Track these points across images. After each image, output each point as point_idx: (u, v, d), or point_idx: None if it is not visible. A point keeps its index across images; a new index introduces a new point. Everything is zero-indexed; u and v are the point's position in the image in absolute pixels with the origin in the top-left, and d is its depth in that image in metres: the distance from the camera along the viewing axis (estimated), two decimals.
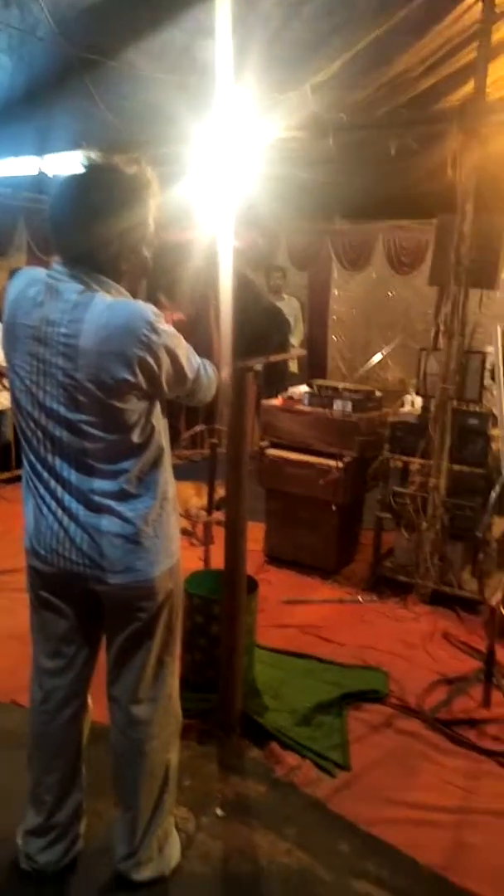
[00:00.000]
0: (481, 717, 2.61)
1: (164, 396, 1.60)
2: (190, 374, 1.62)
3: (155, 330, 1.48)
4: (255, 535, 3.53)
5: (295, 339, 6.19)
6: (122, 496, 1.56)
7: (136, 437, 1.54)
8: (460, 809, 2.16)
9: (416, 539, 3.53)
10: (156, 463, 1.60)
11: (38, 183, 5.16)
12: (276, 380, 5.83)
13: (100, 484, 1.55)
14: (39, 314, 1.50)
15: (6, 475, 5.09)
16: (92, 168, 1.50)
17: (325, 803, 2.14)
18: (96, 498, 1.55)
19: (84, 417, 1.49)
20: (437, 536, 3.48)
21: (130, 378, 1.46)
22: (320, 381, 4.20)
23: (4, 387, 5.18)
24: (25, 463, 1.64)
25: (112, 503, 1.55)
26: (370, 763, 2.33)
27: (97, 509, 1.56)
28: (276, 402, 4.09)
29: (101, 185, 1.49)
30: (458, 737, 2.48)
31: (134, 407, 1.51)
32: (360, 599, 3.56)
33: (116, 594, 1.63)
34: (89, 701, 1.85)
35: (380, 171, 4.69)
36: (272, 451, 3.91)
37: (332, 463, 3.67)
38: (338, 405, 3.75)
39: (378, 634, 3.21)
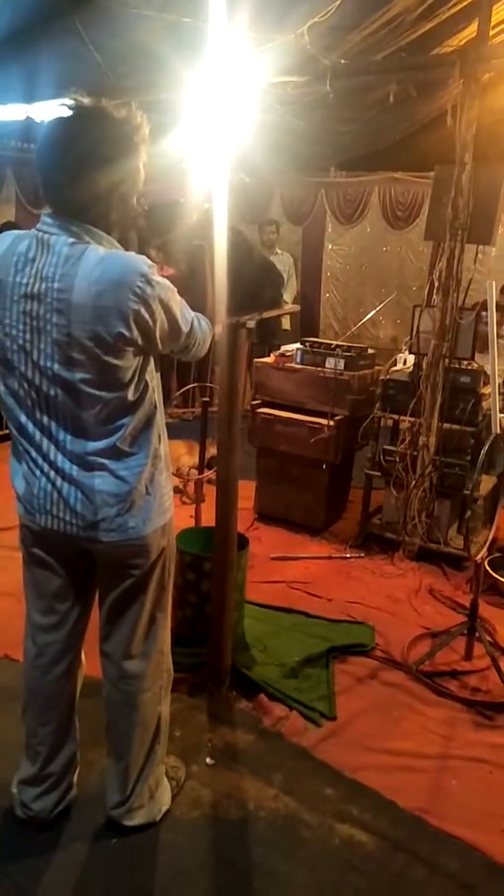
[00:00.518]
0: (463, 669, 2.70)
1: (158, 351, 1.58)
2: (184, 328, 1.60)
3: (149, 282, 1.45)
4: (246, 492, 3.54)
5: (288, 296, 6.10)
6: (116, 454, 1.55)
7: (130, 395, 1.52)
8: (440, 756, 2.25)
9: (404, 497, 3.57)
10: (149, 420, 1.59)
11: (27, 130, 4.97)
12: (268, 336, 5.78)
13: (94, 443, 1.53)
14: (32, 270, 1.46)
15: None
16: (80, 112, 1.44)
17: (310, 752, 2.21)
18: (90, 457, 1.54)
19: (79, 375, 1.47)
20: (426, 494, 3.51)
21: (126, 332, 1.44)
22: (312, 339, 4.16)
23: None
24: (13, 427, 1.61)
25: (106, 461, 1.55)
26: (355, 713, 2.41)
27: (91, 468, 1.55)
28: (268, 359, 4.06)
29: (90, 130, 1.43)
30: (440, 688, 2.56)
31: (129, 363, 1.48)
32: (348, 556, 3.62)
33: (110, 552, 1.65)
34: (82, 655, 1.88)
35: (377, 118, 4.56)
36: (263, 410, 3.90)
37: (323, 421, 3.67)
38: (330, 363, 3.73)
39: (365, 590, 3.27)
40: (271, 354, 4.14)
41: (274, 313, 2.58)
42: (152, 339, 1.51)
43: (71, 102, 1.43)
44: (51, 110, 4.11)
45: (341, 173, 6.34)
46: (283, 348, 4.14)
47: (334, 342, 3.94)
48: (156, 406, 1.61)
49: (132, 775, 1.81)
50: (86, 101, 1.45)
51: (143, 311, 1.45)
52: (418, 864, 1.84)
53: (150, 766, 1.84)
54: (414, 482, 3.52)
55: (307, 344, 3.92)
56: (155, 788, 1.87)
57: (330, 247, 6.75)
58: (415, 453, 3.53)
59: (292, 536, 3.82)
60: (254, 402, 3.98)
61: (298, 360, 3.87)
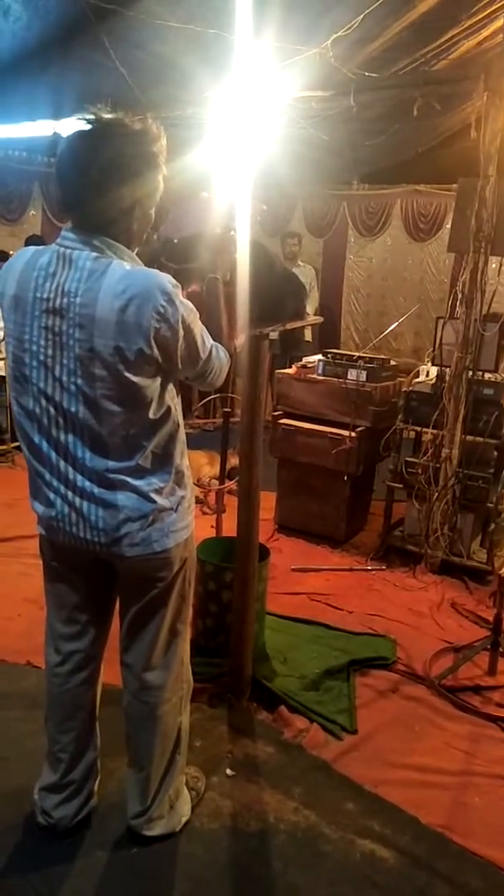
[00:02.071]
0: (486, 684, 2.66)
1: (177, 374, 1.58)
2: (202, 354, 1.60)
3: (172, 301, 1.46)
4: (267, 503, 3.54)
5: (309, 307, 6.12)
6: (138, 472, 1.55)
7: (152, 414, 1.52)
8: (463, 772, 2.21)
9: (426, 509, 3.54)
10: (171, 439, 1.59)
11: (53, 146, 5.08)
12: (290, 348, 5.79)
13: (115, 462, 1.53)
14: (53, 285, 1.46)
15: (19, 443, 5.13)
16: (99, 126, 1.45)
17: (331, 765, 2.20)
18: (111, 475, 1.54)
19: (100, 391, 1.47)
20: (448, 507, 3.49)
21: (146, 349, 1.44)
22: (334, 350, 4.16)
23: None
24: (25, 448, 1.61)
25: (128, 479, 1.54)
26: (376, 727, 2.39)
27: (112, 486, 1.54)
28: (290, 371, 4.07)
29: (110, 144, 1.43)
30: (463, 703, 2.52)
31: (148, 383, 1.49)
32: (370, 568, 3.59)
33: (133, 567, 1.65)
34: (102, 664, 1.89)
35: (401, 131, 4.57)
36: (285, 421, 3.91)
37: (344, 433, 3.66)
38: (352, 374, 3.73)
39: (386, 603, 3.25)
40: (293, 366, 4.16)
41: (297, 325, 2.59)
42: (173, 359, 1.51)
43: (90, 117, 1.45)
44: (77, 125, 4.20)
45: (364, 186, 6.37)
46: (305, 359, 4.16)
47: (356, 354, 3.94)
48: (178, 424, 1.61)
49: (152, 785, 1.81)
50: (104, 115, 1.46)
51: (164, 329, 1.45)
52: (440, 881, 1.81)
53: (170, 776, 1.84)
54: (436, 494, 3.50)
55: (329, 355, 3.93)
56: (175, 799, 1.87)
57: (351, 258, 6.76)
58: (437, 465, 3.51)
59: (313, 548, 3.81)
60: (275, 413, 4.00)
61: (320, 371, 3.88)
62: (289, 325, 2.38)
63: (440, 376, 3.54)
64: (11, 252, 5.37)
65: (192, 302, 1.56)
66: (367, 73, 3.52)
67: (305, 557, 3.68)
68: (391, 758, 2.25)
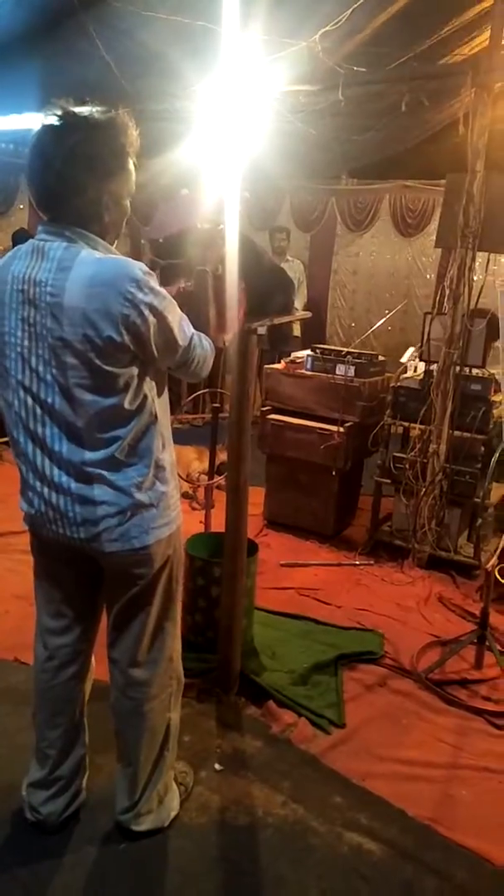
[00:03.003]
0: (473, 677, 2.68)
1: (157, 363, 1.57)
2: (181, 342, 1.58)
3: (141, 287, 1.45)
4: (255, 499, 3.55)
5: (298, 302, 6.12)
6: (114, 465, 1.54)
7: (127, 404, 1.51)
8: (449, 765, 2.23)
9: (414, 504, 3.56)
10: (148, 430, 1.58)
11: None
12: (278, 343, 5.79)
13: (91, 454, 1.52)
14: (27, 276, 1.48)
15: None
16: (63, 118, 1.44)
17: (319, 759, 2.21)
18: (88, 469, 1.53)
19: (74, 380, 1.47)
20: (436, 502, 3.51)
21: (116, 337, 1.43)
22: (323, 346, 4.17)
23: None
24: (12, 443, 1.62)
25: (104, 472, 1.54)
26: (364, 721, 2.40)
27: (89, 480, 1.54)
28: (279, 366, 4.07)
29: (73, 134, 1.43)
30: (450, 696, 2.54)
31: (122, 370, 1.48)
32: (358, 563, 3.61)
33: (114, 562, 1.65)
34: (92, 660, 1.89)
35: (389, 126, 4.57)
36: (274, 416, 3.91)
37: (333, 428, 3.67)
38: (340, 370, 3.73)
39: (374, 597, 3.27)
40: (282, 361, 4.16)
41: (285, 319, 2.59)
42: (146, 347, 1.49)
43: (56, 111, 1.44)
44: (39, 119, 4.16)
45: (353, 180, 6.37)
46: (294, 355, 4.16)
47: (345, 349, 3.95)
48: (156, 416, 1.60)
49: (140, 781, 1.82)
50: (70, 108, 1.46)
51: (133, 315, 1.44)
52: (427, 873, 1.83)
53: (158, 772, 1.84)
54: (424, 490, 3.51)
55: (318, 351, 3.93)
56: (164, 794, 1.88)
57: (338, 253, 6.76)
58: (425, 461, 3.52)
59: (301, 543, 3.82)
60: (264, 409, 4.00)
61: (309, 366, 3.88)
62: (277, 320, 2.38)
63: (428, 372, 3.55)
64: (0, 246, 5.35)
65: (182, 297, 1.56)
66: (355, 68, 3.52)
67: (294, 553, 3.69)
68: (378, 751, 2.26)
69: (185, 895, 1.73)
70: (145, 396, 1.56)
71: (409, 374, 3.82)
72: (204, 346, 1.70)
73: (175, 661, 1.84)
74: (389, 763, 2.22)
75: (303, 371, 3.89)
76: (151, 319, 1.48)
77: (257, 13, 3.03)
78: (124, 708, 1.79)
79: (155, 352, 1.52)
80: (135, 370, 1.51)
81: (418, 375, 3.71)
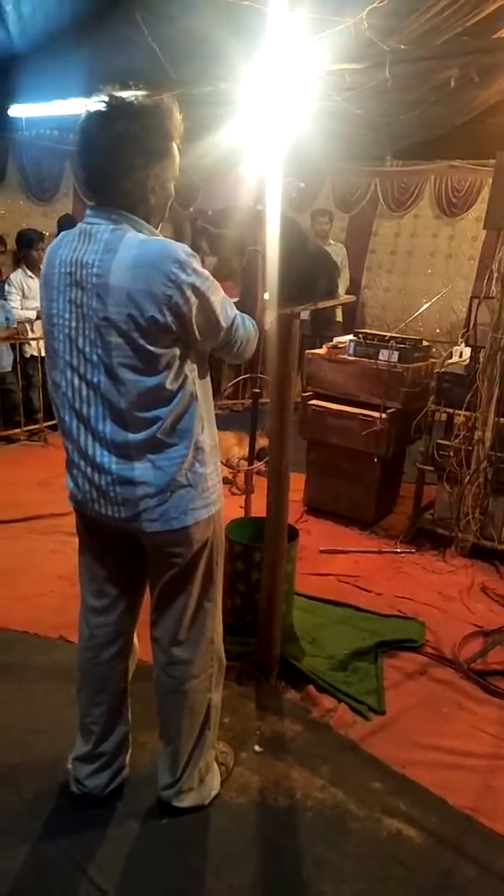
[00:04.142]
0: None
1: (199, 345, 1.58)
2: (223, 323, 1.59)
3: (183, 268, 1.46)
4: (295, 485, 3.54)
5: (340, 287, 6.04)
6: (156, 446, 1.56)
7: (168, 383, 1.52)
8: (491, 755, 2.21)
9: (458, 492, 3.50)
10: (188, 411, 1.59)
11: None
12: (320, 328, 5.74)
13: (133, 435, 1.55)
14: (73, 258, 1.51)
15: (55, 422, 5.21)
16: (111, 102, 1.48)
17: (358, 744, 2.21)
18: (130, 449, 1.56)
19: (118, 360, 1.49)
20: (480, 490, 3.44)
21: (159, 317, 1.45)
22: (366, 331, 4.11)
23: None
24: (59, 423, 1.67)
25: (146, 453, 1.56)
26: (404, 708, 2.39)
27: (129, 460, 1.57)
28: (321, 351, 4.03)
29: (119, 119, 1.46)
30: (492, 687, 2.51)
31: (166, 350, 1.50)
32: (399, 551, 3.58)
33: (155, 542, 1.68)
34: (135, 640, 1.93)
35: (437, 104, 4.44)
36: (315, 402, 3.89)
37: (375, 414, 3.63)
38: (384, 355, 3.68)
39: (415, 586, 3.24)
40: (323, 346, 4.12)
41: (329, 303, 2.56)
42: (188, 328, 1.51)
43: (102, 97, 1.47)
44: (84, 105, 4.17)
45: (397, 162, 6.23)
46: (336, 340, 4.11)
47: (388, 334, 3.89)
48: (197, 397, 1.61)
49: (182, 759, 1.85)
50: (115, 93, 1.49)
51: (176, 296, 1.45)
52: (466, 862, 1.82)
53: (199, 750, 1.87)
54: (468, 477, 3.45)
55: (360, 336, 3.88)
56: (205, 773, 1.91)
57: (377, 234, 6.66)
58: (470, 448, 3.46)
59: (342, 530, 3.81)
60: (305, 395, 3.97)
61: (351, 351, 3.83)
62: (320, 305, 2.35)
63: (474, 357, 3.47)
64: (45, 232, 5.42)
65: (223, 272, 1.56)
66: (402, 46, 3.42)
67: (334, 539, 3.67)
68: (419, 739, 2.25)
69: (225, 872, 1.76)
70: (186, 377, 1.57)
71: (455, 359, 3.74)
72: (247, 328, 1.70)
73: (216, 642, 1.86)
74: (430, 751, 2.21)
75: (345, 356, 3.85)
76: (193, 300, 1.49)
77: None
78: (165, 686, 1.82)
79: (197, 333, 1.53)
80: (177, 351, 1.52)
81: (464, 361, 3.63)
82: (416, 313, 4.70)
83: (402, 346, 3.68)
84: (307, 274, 2.13)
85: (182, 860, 1.79)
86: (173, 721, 1.84)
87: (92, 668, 1.86)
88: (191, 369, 1.58)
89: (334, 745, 2.20)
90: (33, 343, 5.09)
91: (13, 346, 4.96)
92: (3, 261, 5.01)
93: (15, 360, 4.97)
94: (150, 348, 1.48)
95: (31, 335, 5.10)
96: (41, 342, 5.03)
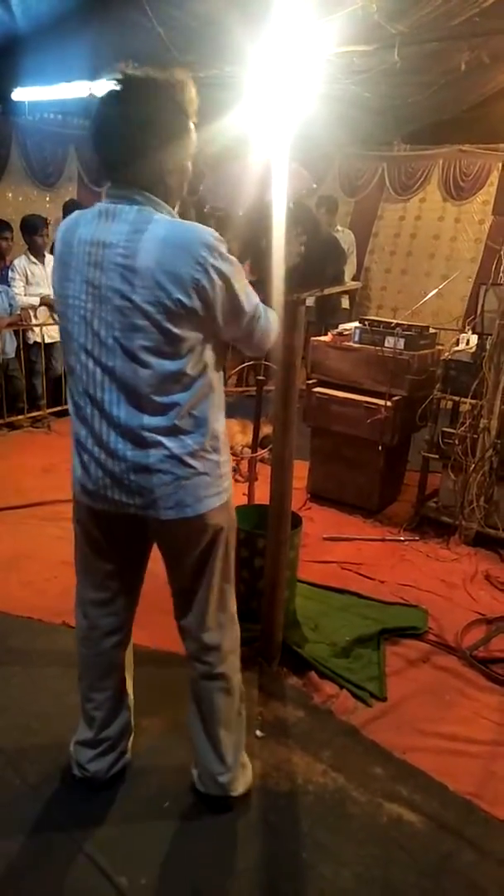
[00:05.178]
0: None
1: (222, 331, 1.56)
2: (247, 309, 1.58)
3: (212, 252, 1.45)
4: (299, 472, 3.54)
5: (346, 273, 6.01)
6: (172, 431, 1.54)
7: (189, 369, 1.51)
8: (493, 742, 2.22)
9: (462, 480, 3.49)
10: (206, 398, 1.58)
11: (89, 107, 5.00)
12: (326, 315, 5.71)
13: (150, 419, 1.53)
14: (94, 238, 1.48)
15: (59, 409, 5.22)
16: (126, 82, 1.45)
17: (360, 730, 2.22)
18: (146, 434, 1.53)
19: (140, 343, 1.47)
20: (485, 478, 3.43)
21: (185, 300, 1.44)
22: (371, 318, 4.09)
23: (55, 320, 5.24)
24: (71, 404, 1.64)
25: (162, 439, 1.54)
26: (406, 695, 2.40)
27: (145, 446, 1.54)
28: (326, 338, 4.01)
29: (137, 97, 1.44)
30: (494, 674, 2.51)
31: (189, 334, 1.48)
32: (402, 539, 3.58)
33: (171, 531, 1.66)
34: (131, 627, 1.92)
35: (446, 87, 4.38)
36: (319, 389, 3.87)
37: (380, 402, 3.61)
38: (389, 342, 3.66)
39: (419, 573, 3.24)
40: (328, 333, 4.10)
41: (336, 290, 2.55)
42: (213, 312, 1.49)
43: (118, 76, 1.45)
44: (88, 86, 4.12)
45: (405, 146, 6.18)
46: (342, 327, 4.09)
47: (394, 321, 3.86)
48: (213, 385, 1.60)
49: (228, 744, 1.84)
50: (132, 72, 1.46)
51: (203, 280, 1.44)
52: (467, 847, 1.83)
53: (241, 733, 1.88)
54: (473, 466, 3.44)
55: (366, 322, 3.86)
56: (244, 756, 1.92)
57: (382, 218, 6.62)
58: (475, 436, 3.44)
59: (345, 517, 3.81)
60: (309, 382, 3.96)
61: (356, 338, 3.81)
62: (327, 291, 2.33)
63: (480, 345, 3.45)
64: (49, 219, 5.39)
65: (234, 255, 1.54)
66: (404, 30, 3.37)
67: (337, 527, 3.67)
68: (420, 726, 2.26)
69: (225, 856, 1.78)
70: (206, 365, 1.56)
71: (461, 346, 3.71)
72: (269, 319, 1.68)
73: (236, 620, 1.86)
74: (431, 738, 2.21)
75: (350, 343, 3.83)
76: (220, 284, 1.48)
77: None
78: (202, 672, 1.80)
79: (221, 318, 1.52)
80: (200, 336, 1.51)
81: (470, 348, 3.61)
82: (424, 299, 4.65)
83: (408, 333, 3.66)
84: (315, 260, 2.10)
85: (183, 842, 1.81)
86: (214, 708, 1.81)
87: (93, 657, 1.86)
88: (210, 357, 1.57)
89: (336, 731, 2.21)
90: (37, 330, 5.08)
91: (16, 333, 4.95)
92: (9, 247, 4.98)
93: (18, 347, 4.96)
94: (175, 331, 1.46)
95: (34, 322, 5.09)
96: (45, 329, 5.06)
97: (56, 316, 1.64)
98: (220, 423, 1.66)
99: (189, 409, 1.55)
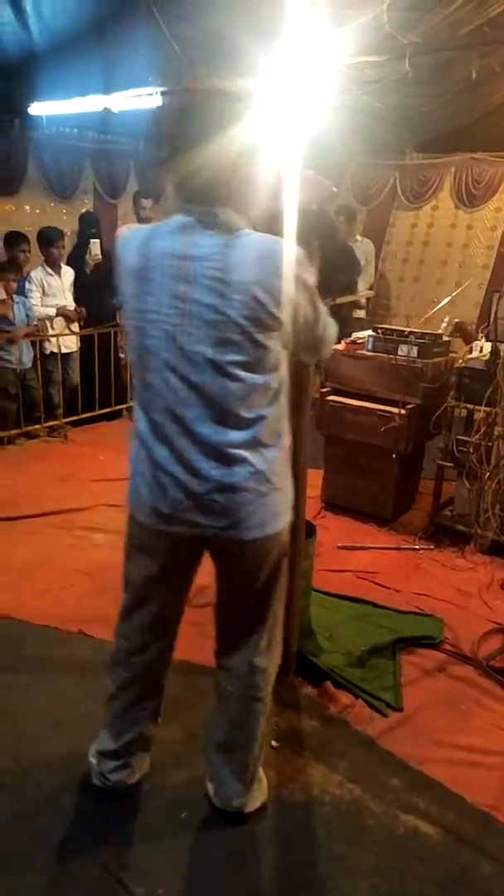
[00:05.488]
0: None
1: (296, 343, 1.55)
2: (322, 318, 1.58)
3: (301, 265, 1.47)
4: (313, 481, 3.54)
5: (363, 283, 6.00)
6: (256, 446, 1.51)
7: (273, 383, 1.49)
8: None
9: (477, 489, 3.47)
10: (284, 413, 1.57)
11: (104, 121, 5.06)
12: (338, 323, 5.71)
13: (236, 434, 1.49)
14: (178, 251, 1.44)
15: (75, 418, 5.26)
16: (202, 91, 1.42)
17: (376, 741, 2.21)
18: (232, 450, 1.49)
19: (231, 357, 1.44)
20: (500, 486, 3.41)
21: (277, 312, 1.43)
22: (384, 326, 4.09)
23: (71, 330, 5.28)
24: (143, 427, 1.56)
25: (247, 454, 1.50)
26: (422, 705, 2.38)
27: (231, 462, 1.50)
28: (339, 346, 4.02)
29: (215, 107, 1.40)
30: None
31: (276, 347, 1.47)
32: (418, 547, 3.56)
33: (248, 550, 1.60)
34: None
35: (458, 96, 4.40)
36: (333, 398, 3.87)
37: (394, 410, 3.61)
38: (403, 350, 3.65)
39: (434, 582, 3.22)
40: (342, 341, 4.10)
41: (347, 299, 2.55)
42: (298, 325, 1.50)
43: (190, 84, 1.42)
44: (127, 100, 4.19)
45: (418, 155, 6.20)
46: (355, 335, 4.09)
47: (408, 329, 3.86)
48: (285, 400, 1.59)
49: (251, 762, 1.83)
50: (202, 81, 1.43)
51: (293, 293, 1.45)
52: (484, 859, 1.81)
53: (261, 749, 1.86)
54: (488, 474, 3.42)
55: (379, 331, 3.86)
56: (259, 772, 1.91)
57: (394, 226, 6.64)
58: (490, 444, 3.42)
59: (360, 526, 3.80)
60: (323, 390, 3.96)
61: (370, 347, 3.82)
62: (339, 300, 2.34)
63: (494, 352, 3.44)
64: (66, 230, 5.45)
65: None
66: (417, 40, 3.39)
67: (352, 535, 3.66)
68: (437, 736, 2.24)
69: (242, 867, 1.77)
70: (283, 377, 1.55)
71: (475, 354, 3.70)
72: (330, 326, 1.67)
73: (281, 643, 1.84)
74: (448, 748, 2.20)
75: (363, 352, 3.83)
76: (306, 296, 1.49)
77: None
78: (244, 695, 1.77)
79: (304, 328, 1.53)
80: (281, 348, 1.50)
81: (484, 356, 3.59)
82: (438, 306, 4.64)
83: (421, 341, 3.65)
84: (328, 268, 2.11)
85: (200, 853, 1.81)
86: (247, 728, 1.79)
87: (136, 678, 1.80)
88: (285, 368, 1.55)
89: (352, 742, 2.20)
90: (53, 340, 5.13)
91: (33, 343, 5.00)
92: (26, 259, 5.05)
93: (35, 357, 5.02)
94: (268, 344, 1.45)
95: (51, 332, 5.14)
96: (61, 339, 5.11)
97: (131, 332, 1.54)
98: (289, 437, 1.64)
99: (271, 422, 1.53)
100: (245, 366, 1.45)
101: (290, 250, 1.45)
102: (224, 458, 1.50)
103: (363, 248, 5.97)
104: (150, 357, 1.50)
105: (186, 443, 1.50)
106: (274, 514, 1.58)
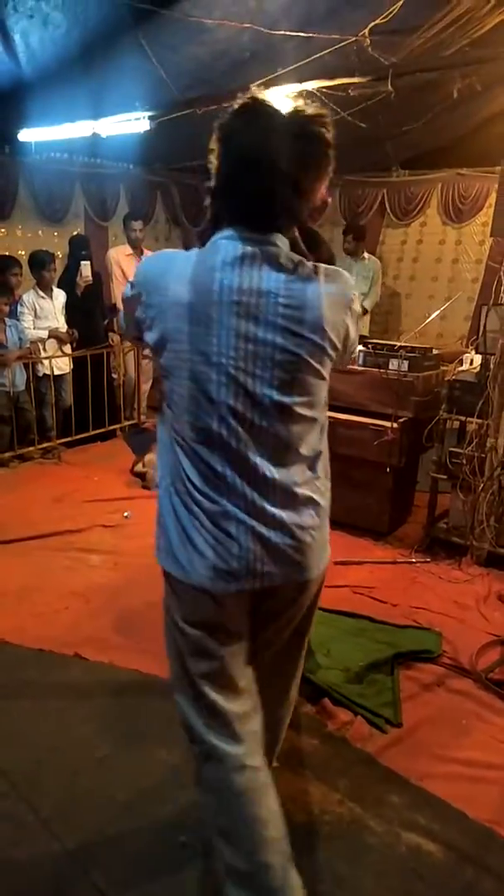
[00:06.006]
0: None
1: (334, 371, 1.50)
2: (357, 344, 1.56)
3: (354, 298, 1.45)
4: None
5: (368, 302, 6.03)
6: (316, 482, 1.46)
7: (322, 417, 1.44)
8: None
9: (472, 500, 3.48)
10: (327, 444, 1.52)
11: (93, 146, 5.12)
12: None
13: (301, 474, 1.42)
14: (242, 286, 1.30)
15: (68, 439, 5.26)
16: (270, 112, 1.33)
17: (376, 758, 2.19)
18: (299, 490, 1.41)
19: (297, 399, 1.35)
20: (494, 497, 3.42)
21: (341, 348, 1.40)
22: (375, 341, 4.12)
23: (63, 352, 5.31)
24: (198, 475, 1.38)
25: (311, 493, 1.44)
26: (421, 721, 2.37)
27: (297, 504, 1.41)
28: None
29: (287, 131, 1.31)
30: None
31: (328, 381, 1.43)
32: (414, 561, 3.56)
33: (303, 590, 1.50)
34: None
35: (441, 115, 4.48)
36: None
37: (386, 424, 3.62)
38: (393, 364, 3.68)
39: (431, 596, 3.21)
40: None
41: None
42: (347, 355, 1.47)
43: (260, 105, 1.32)
44: (115, 126, 4.26)
45: (404, 172, 6.30)
46: None
47: (398, 343, 3.89)
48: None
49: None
50: (257, 100, 1.33)
51: (351, 327, 1.42)
52: (488, 876, 1.79)
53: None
54: (482, 485, 3.43)
55: (370, 346, 3.89)
56: None
57: (384, 243, 6.72)
58: (483, 455, 3.44)
59: (355, 541, 3.79)
60: None
61: (360, 361, 3.84)
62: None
63: (484, 365, 3.46)
64: (58, 254, 5.50)
65: None
66: (393, 60, 3.46)
67: (348, 550, 3.66)
68: (437, 751, 2.23)
69: None
70: (325, 412, 1.50)
71: (465, 367, 3.73)
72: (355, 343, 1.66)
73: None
74: (448, 764, 2.18)
75: (354, 366, 3.85)
76: (355, 329, 1.46)
77: (305, 6, 3.01)
78: (270, 722, 1.65)
79: (348, 358, 1.50)
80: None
81: (474, 368, 3.62)
82: (427, 320, 4.69)
83: (412, 355, 3.68)
84: None
85: (200, 876, 1.78)
86: (262, 805, 1.56)
87: (249, 791, 1.52)
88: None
89: (351, 759, 2.18)
90: (46, 362, 5.15)
91: (26, 366, 5.02)
92: (18, 282, 5.08)
93: (28, 380, 5.03)
94: (325, 379, 1.40)
95: (43, 354, 5.16)
96: (53, 361, 5.13)
97: (182, 373, 1.36)
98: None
99: (325, 457, 1.49)
100: (308, 404, 1.38)
101: (350, 285, 1.42)
102: (292, 499, 1.41)
103: (371, 266, 6.01)
104: (206, 402, 1.35)
105: (255, 489, 1.37)
106: (325, 548, 1.52)
